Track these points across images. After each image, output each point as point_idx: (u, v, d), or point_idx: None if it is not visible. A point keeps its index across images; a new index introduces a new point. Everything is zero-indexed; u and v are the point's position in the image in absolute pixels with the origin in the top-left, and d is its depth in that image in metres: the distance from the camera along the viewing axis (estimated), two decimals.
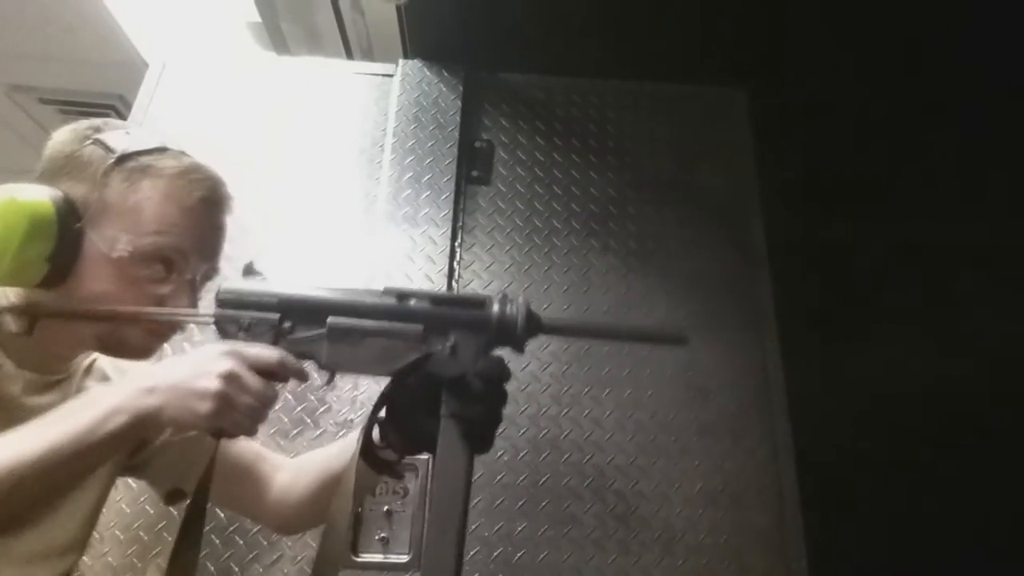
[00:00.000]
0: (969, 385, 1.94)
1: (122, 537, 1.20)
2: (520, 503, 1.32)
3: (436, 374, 0.70)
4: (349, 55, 1.85)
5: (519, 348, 0.74)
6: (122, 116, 2.23)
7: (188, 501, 0.82)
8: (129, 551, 1.20)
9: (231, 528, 1.24)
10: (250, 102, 1.62)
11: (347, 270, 1.46)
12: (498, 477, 1.33)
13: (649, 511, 1.33)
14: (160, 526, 1.22)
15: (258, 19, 1.76)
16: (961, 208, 2.01)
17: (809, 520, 1.35)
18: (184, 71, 1.64)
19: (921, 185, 2.02)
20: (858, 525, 1.91)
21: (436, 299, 0.74)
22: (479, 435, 0.70)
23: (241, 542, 1.23)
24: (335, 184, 1.55)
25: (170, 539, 1.22)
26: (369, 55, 1.81)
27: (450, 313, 0.73)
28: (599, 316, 1.47)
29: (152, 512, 1.23)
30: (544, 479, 1.34)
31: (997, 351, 1.95)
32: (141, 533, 1.22)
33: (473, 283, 1.49)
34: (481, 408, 0.69)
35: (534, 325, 0.73)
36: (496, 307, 0.73)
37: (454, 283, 1.47)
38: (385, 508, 1.25)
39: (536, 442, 1.36)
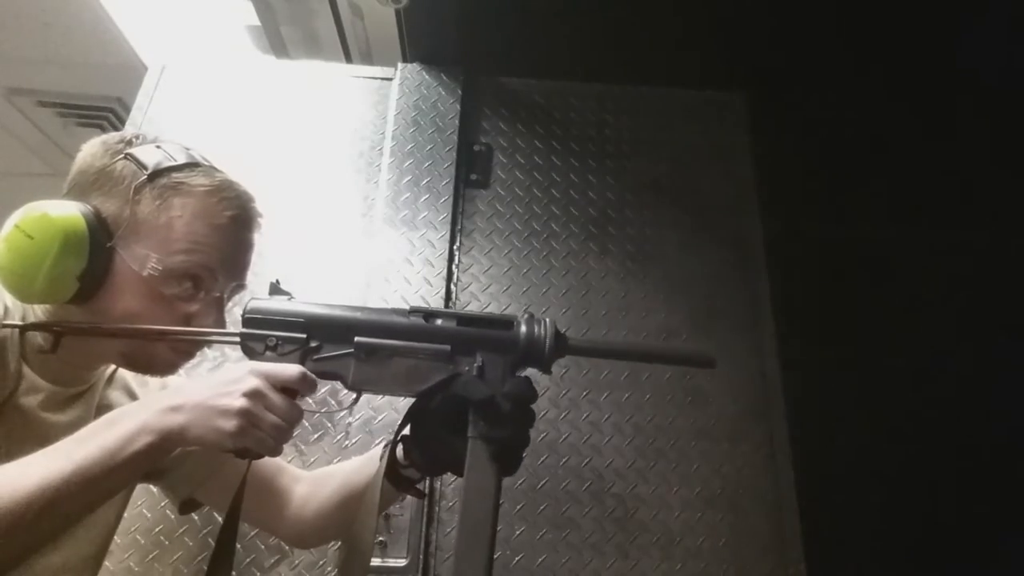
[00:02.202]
0: (969, 386, 1.94)
1: (119, 541, 1.19)
2: (518, 507, 1.32)
3: (463, 395, 0.69)
4: (348, 59, 1.85)
5: (546, 369, 0.73)
6: (121, 119, 2.23)
7: (201, 509, 0.80)
8: (126, 556, 1.20)
9: None
10: (249, 105, 1.62)
11: (345, 273, 1.46)
12: None
13: (647, 515, 1.33)
14: (157, 530, 1.22)
15: (257, 22, 1.76)
16: (959, 211, 2.01)
17: (807, 523, 1.35)
18: (183, 74, 1.65)
19: (919, 187, 2.03)
20: (857, 528, 1.91)
21: (463, 319, 0.74)
22: (508, 457, 0.69)
23: (239, 546, 1.22)
24: (334, 187, 1.55)
25: (167, 543, 1.22)
26: (368, 59, 1.81)
27: (477, 334, 0.72)
28: (597, 319, 1.47)
29: (149, 516, 1.23)
30: (542, 483, 1.34)
31: (998, 352, 1.95)
32: (138, 537, 1.21)
33: (472, 286, 1.49)
34: (509, 430, 0.68)
35: (561, 346, 0.72)
36: (524, 328, 0.72)
37: (452, 286, 1.47)
38: (383, 512, 1.24)
39: (534, 445, 1.36)
